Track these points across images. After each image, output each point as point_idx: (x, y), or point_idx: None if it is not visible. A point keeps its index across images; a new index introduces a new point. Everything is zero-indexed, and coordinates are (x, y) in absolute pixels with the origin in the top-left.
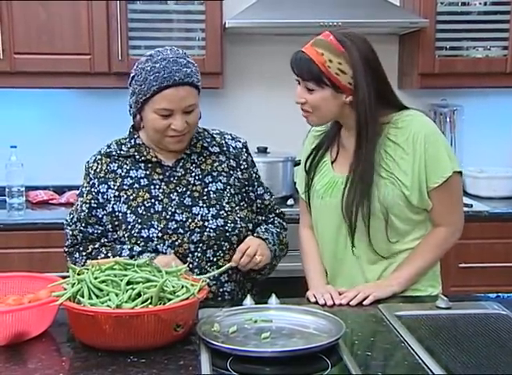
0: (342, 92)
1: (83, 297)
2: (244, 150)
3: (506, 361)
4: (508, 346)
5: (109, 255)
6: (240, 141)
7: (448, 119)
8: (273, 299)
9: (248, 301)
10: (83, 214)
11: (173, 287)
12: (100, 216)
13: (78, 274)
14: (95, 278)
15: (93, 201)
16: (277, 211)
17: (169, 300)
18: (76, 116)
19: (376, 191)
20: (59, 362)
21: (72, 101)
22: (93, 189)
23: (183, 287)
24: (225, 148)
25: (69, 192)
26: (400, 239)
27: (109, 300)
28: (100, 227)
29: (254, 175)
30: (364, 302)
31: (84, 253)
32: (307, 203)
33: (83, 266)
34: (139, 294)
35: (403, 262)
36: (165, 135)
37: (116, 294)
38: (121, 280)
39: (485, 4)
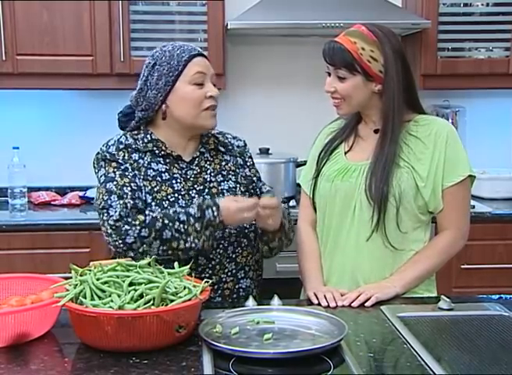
0: (372, 80)
1: (85, 298)
2: (247, 148)
3: (509, 362)
4: (511, 347)
5: (166, 222)
6: (240, 140)
7: (450, 121)
8: (275, 300)
9: (250, 302)
10: (127, 195)
11: (175, 288)
12: (143, 198)
13: (80, 275)
14: (97, 279)
15: (132, 184)
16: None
17: (172, 301)
18: (78, 117)
19: (391, 178)
20: (61, 363)
21: (74, 102)
22: (127, 173)
23: (185, 288)
24: (230, 147)
25: (71, 193)
26: (408, 231)
27: (111, 301)
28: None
29: (257, 172)
30: (366, 304)
31: (137, 222)
32: (311, 196)
33: (136, 238)
34: (141, 295)
35: (407, 264)
36: (202, 109)
37: (118, 295)
38: (123, 281)
39: (488, 5)
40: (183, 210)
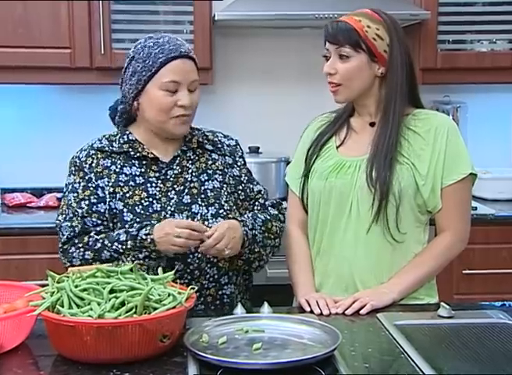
0: (376, 61)
1: (62, 306)
2: (238, 147)
3: None
4: None
5: (106, 243)
6: (232, 139)
7: (451, 117)
8: (265, 308)
9: (239, 310)
10: (81, 210)
11: (159, 295)
12: (102, 210)
13: (58, 282)
14: (76, 286)
15: (92, 197)
16: (275, 201)
17: (155, 309)
18: (55, 113)
19: (393, 171)
20: None
21: (51, 97)
22: (90, 184)
23: (169, 295)
24: (219, 146)
25: (48, 195)
26: (407, 231)
27: (91, 309)
28: (99, 221)
29: (248, 172)
30: (361, 311)
31: (81, 244)
32: (300, 197)
33: (81, 260)
34: (122, 303)
35: (405, 268)
36: (171, 116)
37: (98, 303)
38: (103, 288)
39: None
40: (125, 230)
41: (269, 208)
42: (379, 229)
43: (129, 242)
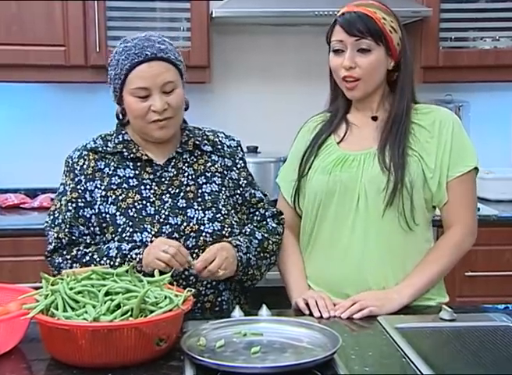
0: (390, 55)
1: (57, 309)
2: (239, 148)
3: None
4: None
5: (95, 257)
6: (234, 140)
7: None
8: (264, 311)
9: (237, 312)
10: (68, 214)
11: (156, 297)
12: (88, 215)
13: (52, 284)
14: (70, 289)
15: (79, 200)
16: (275, 211)
17: (151, 312)
18: (49, 112)
19: (404, 162)
20: None
21: (45, 96)
22: (79, 187)
23: (166, 297)
24: (219, 147)
25: (42, 195)
26: (419, 223)
27: (86, 312)
28: (86, 230)
29: (249, 176)
30: (356, 316)
31: (69, 256)
32: (292, 200)
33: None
34: (118, 306)
35: (417, 268)
36: (147, 121)
37: (93, 306)
38: (99, 291)
39: None
40: (116, 246)
41: (268, 219)
42: (393, 214)
43: (118, 260)
